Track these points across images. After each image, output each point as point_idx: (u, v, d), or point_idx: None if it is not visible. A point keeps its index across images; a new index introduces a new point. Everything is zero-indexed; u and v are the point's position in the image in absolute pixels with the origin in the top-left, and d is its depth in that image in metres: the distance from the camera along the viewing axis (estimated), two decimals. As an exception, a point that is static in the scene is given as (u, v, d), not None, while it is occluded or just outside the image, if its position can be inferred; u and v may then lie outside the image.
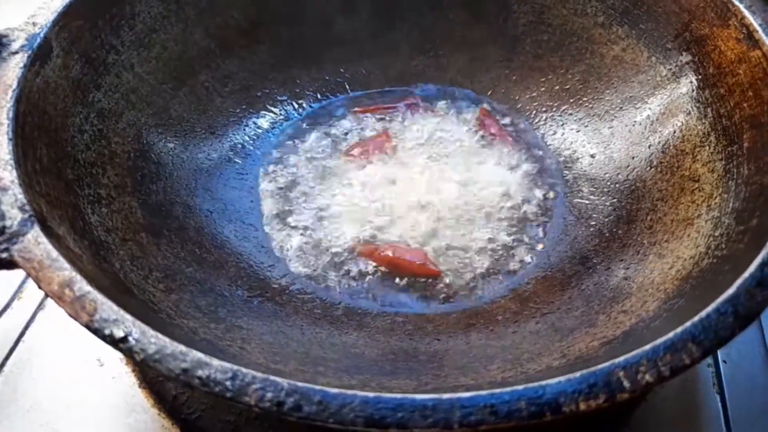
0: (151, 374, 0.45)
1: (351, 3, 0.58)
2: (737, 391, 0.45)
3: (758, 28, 0.42)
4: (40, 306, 0.49)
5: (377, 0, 0.58)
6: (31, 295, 0.50)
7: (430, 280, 0.46)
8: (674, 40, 0.49)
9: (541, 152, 0.55)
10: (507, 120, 0.58)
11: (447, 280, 0.46)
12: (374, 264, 0.47)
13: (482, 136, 0.56)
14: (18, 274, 0.50)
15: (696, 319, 0.28)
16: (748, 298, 0.29)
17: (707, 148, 0.44)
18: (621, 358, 0.26)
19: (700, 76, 0.46)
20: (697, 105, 0.46)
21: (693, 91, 0.47)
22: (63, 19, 0.42)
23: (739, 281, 0.30)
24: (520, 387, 0.25)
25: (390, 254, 0.47)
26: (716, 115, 0.44)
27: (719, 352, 0.47)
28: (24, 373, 0.45)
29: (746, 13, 0.43)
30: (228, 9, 0.54)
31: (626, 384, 0.26)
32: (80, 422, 0.43)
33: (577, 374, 0.26)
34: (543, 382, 0.26)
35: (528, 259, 0.48)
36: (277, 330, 0.39)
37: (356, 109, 0.58)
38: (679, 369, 0.27)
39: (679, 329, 0.28)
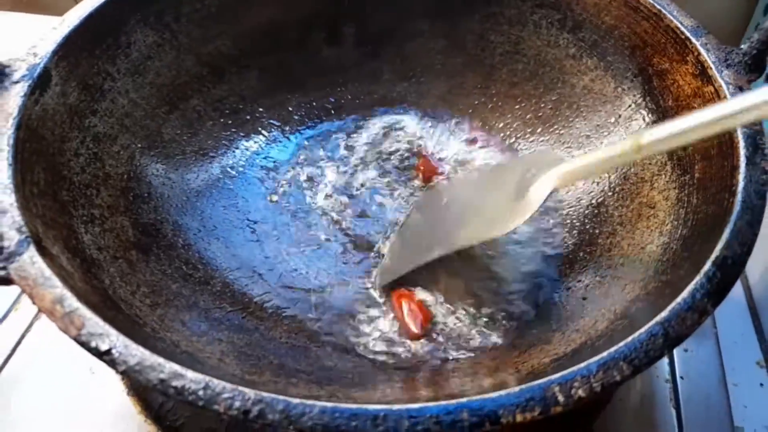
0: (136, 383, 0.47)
1: (335, 33, 0.61)
2: (693, 407, 0.48)
3: (712, 65, 0.44)
4: (36, 317, 0.52)
5: (360, 30, 0.61)
6: (27, 307, 0.53)
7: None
8: (638, 72, 0.52)
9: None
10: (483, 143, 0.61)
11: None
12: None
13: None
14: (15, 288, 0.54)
15: (629, 339, 0.31)
16: (679, 322, 0.32)
17: (663, 176, 0.46)
18: (557, 375, 0.29)
19: (660, 108, 0.49)
20: (657, 135, 0.49)
21: (653, 122, 0.50)
22: (62, 49, 0.45)
23: (672, 305, 0.32)
24: (464, 399, 0.28)
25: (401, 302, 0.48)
26: (673, 146, 0.47)
27: (677, 369, 0.50)
28: (18, 382, 0.48)
29: (702, 50, 0.46)
30: (218, 38, 0.57)
31: (560, 398, 0.29)
32: (72, 430, 0.46)
33: (516, 389, 0.29)
34: (485, 395, 0.28)
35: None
36: (255, 343, 0.42)
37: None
38: (610, 385, 0.29)
39: (612, 348, 0.30)
